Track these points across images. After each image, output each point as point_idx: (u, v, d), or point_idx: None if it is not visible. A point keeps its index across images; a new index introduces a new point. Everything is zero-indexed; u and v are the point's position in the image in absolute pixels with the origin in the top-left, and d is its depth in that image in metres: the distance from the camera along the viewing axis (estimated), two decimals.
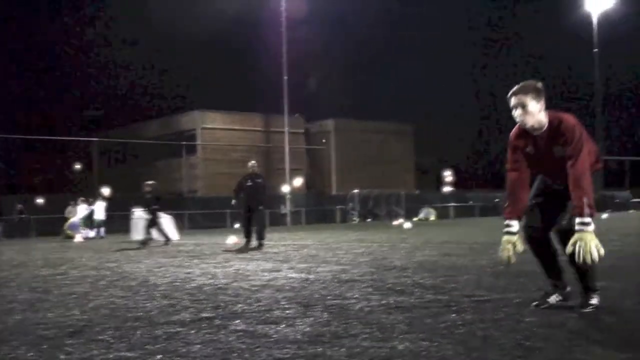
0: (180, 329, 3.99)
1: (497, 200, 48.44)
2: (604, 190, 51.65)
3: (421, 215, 40.31)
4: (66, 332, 3.99)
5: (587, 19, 46.89)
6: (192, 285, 6.49)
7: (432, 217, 39.95)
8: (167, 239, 16.01)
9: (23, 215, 29.88)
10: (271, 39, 41.99)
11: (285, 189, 39.33)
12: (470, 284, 5.78)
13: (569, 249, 3.85)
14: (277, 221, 37.07)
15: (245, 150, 46.07)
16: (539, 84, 4.12)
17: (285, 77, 38.14)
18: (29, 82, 68.04)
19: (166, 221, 20.77)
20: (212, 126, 47.84)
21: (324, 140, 51.86)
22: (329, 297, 5.19)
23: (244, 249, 12.20)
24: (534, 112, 4.04)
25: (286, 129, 38.93)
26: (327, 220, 38.72)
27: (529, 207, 4.29)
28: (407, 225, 25.58)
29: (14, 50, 71.23)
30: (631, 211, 45.31)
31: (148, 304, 5.16)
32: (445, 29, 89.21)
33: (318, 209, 40.29)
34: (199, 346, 3.47)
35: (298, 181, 46.95)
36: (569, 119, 4.07)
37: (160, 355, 3.28)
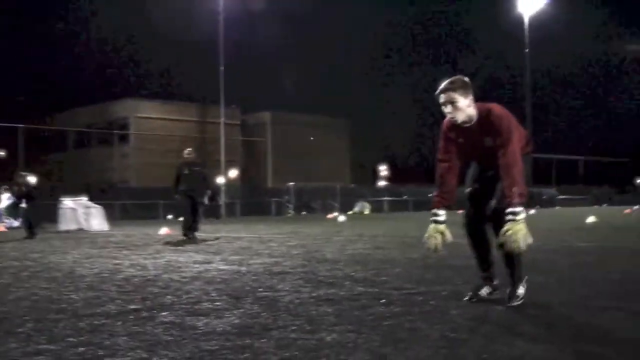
0: (106, 321, 3.89)
1: (430, 195, 49.38)
2: (531, 187, 53.45)
3: (356, 209, 40.69)
4: None
5: (519, 19, 48.26)
6: (120, 276, 6.35)
7: (367, 211, 40.39)
8: (32, 234, 14.91)
9: None
10: (209, 29, 41.45)
11: (220, 180, 38.97)
12: (400, 277, 5.86)
13: (500, 238, 3.95)
14: (212, 213, 36.68)
15: (179, 140, 45.35)
16: (466, 79, 4.19)
17: (222, 68, 37.78)
18: None
19: (96, 211, 20.31)
20: (146, 115, 46.95)
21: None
22: (259, 290, 5.17)
23: (183, 243, 11.91)
24: (463, 108, 4.11)
25: (222, 120, 38.58)
26: (262, 212, 38.60)
27: (467, 196, 4.38)
28: (342, 218, 25.77)
29: None
30: (557, 207, 47.01)
31: (73, 296, 5.01)
32: (383, 24, 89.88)
33: (253, 201, 40.11)
34: (124, 338, 3.40)
35: (233, 173, 46.61)
36: (497, 109, 4.17)
37: (83, 348, 3.19)
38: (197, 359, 2.94)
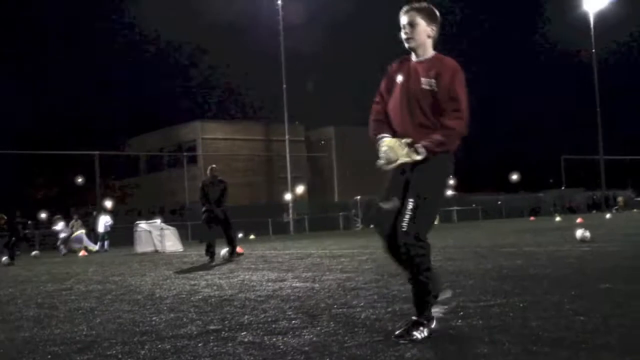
0: (188, 342, 4.00)
1: (499, 202, 48.49)
2: (605, 191, 51.66)
3: None
4: (75, 348, 4.01)
5: (585, 18, 47.00)
6: (198, 297, 6.51)
7: (436, 222, 39.95)
8: (12, 259, 18.43)
9: (27, 231, 29.97)
10: (270, 47, 42.09)
11: (288, 197, 39.36)
12: (476, 288, 5.78)
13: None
14: (280, 229, 37.07)
15: (246, 159, 46.19)
16: (435, 10, 3.75)
17: (284, 86, 38.30)
18: (31, 95, 68.44)
19: (170, 232, 20.86)
20: (213, 136, 47.97)
21: (322, 142, 51.94)
22: (334, 306, 5.20)
23: (255, 261, 12.11)
24: (421, 34, 3.68)
25: (287, 137, 39.02)
26: (330, 227, 38.69)
27: (385, 211, 3.83)
28: None
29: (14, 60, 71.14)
30: (635, 210, 45.22)
31: (155, 318, 5.17)
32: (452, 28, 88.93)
33: (321, 217, 40.29)
34: (207, 359, 3.49)
35: (300, 189, 46.97)
36: (456, 63, 3.72)
37: None
38: None
